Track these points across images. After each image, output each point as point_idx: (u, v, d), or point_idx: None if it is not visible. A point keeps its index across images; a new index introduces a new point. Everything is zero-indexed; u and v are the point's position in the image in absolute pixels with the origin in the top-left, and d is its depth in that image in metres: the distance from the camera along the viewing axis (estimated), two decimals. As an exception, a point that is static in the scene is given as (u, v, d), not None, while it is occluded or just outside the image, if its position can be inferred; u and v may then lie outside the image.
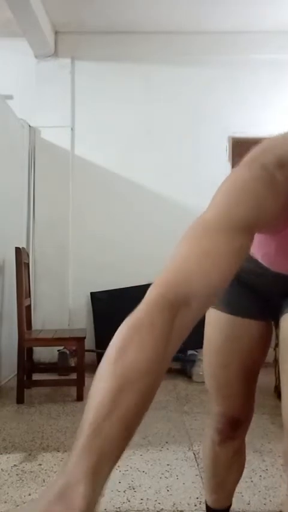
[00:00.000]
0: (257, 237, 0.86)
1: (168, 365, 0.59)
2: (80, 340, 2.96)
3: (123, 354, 0.55)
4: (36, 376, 3.30)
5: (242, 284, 1.08)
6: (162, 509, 1.64)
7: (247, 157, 0.75)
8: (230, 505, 1.36)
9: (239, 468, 1.31)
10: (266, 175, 0.70)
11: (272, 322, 1.14)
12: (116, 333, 0.59)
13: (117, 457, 0.50)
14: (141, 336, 0.56)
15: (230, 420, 1.16)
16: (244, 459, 1.31)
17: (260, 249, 0.95)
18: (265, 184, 0.70)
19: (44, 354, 3.79)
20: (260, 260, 1.00)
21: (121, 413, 0.51)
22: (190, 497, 1.70)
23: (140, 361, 0.54)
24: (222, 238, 0.66)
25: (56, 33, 4.08)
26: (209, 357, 1.16)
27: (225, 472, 1.27)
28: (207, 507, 1.37)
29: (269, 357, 3.79)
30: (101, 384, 0.54)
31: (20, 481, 1.84)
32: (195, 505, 1.65)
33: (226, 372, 1.13)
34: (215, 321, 1.13)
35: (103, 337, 3.84)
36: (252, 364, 1.14)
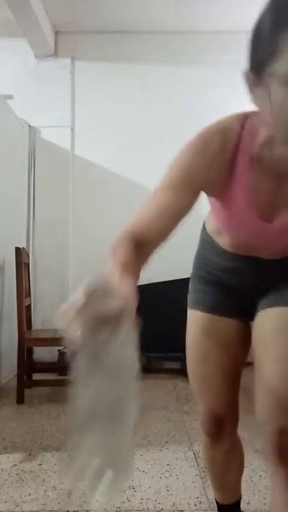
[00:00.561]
0: (219, 221, 1.07)
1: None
2: (80, 340, 2.95)
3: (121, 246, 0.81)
4: (36, 376, 3.30)
5: (218, 284, 1.18)
6: (162, 509, 1.64)
7: (198, 133, 0.94)
8: (240, 497, 1.37)
9: (238, 466, 1.32)
10: (203, 147, 0.91)
11: (243, 321, 1.18)
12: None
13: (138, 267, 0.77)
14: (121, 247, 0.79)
15: (214, 419, 1.19)
16: (242, 457, 1.32)
17: (225, 233, 1.09)
18: (202, 154, 0.91)
19: (44, 353, 3.78)
20: (226, 248, 1.13)
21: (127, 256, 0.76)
22: (190, 497, 1.70)
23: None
24: (170, 195, 0.89)
25: (56, 33, 4.08)
26: (189, 354, 1.21)
27: (224, 471, 1.30)
28: (217, 503, 1.38)
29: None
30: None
31: (20, 481, 1.84)
32: (195, 505, 1.65)
33: (205, 367, 1.17)
34: (193, 319, 1.19)
35: (103, 337, 3.84)
36: (230, 361, 1.17)
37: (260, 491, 1.75)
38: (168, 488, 1.78)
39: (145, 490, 1.76)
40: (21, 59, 4.04)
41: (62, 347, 3.61)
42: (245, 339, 1.17)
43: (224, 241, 1.14)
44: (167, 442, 2.22)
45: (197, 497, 1.70)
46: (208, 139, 0.92)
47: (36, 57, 4.05)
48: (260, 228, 1.00)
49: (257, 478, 1.84)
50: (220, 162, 0.93)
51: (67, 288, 4.01)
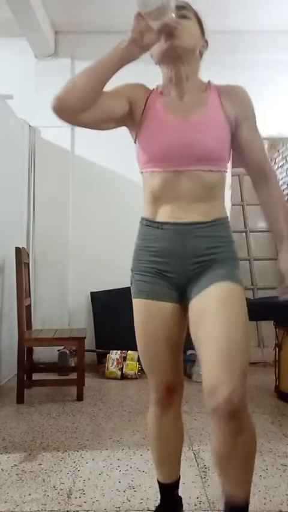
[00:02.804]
0: (144, 146, 1.31)
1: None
2: (80, 340, 2.96)
3: None
4: (36, 376, 3.30)
5: (154, 273, 1.33)
6: (162, 509, 1.63)
7: None
8: (179, 478, 1.50)
9: (179, 434, 1.47)
10: (117, 89, 1.33)
11: (181, 304, 1.33)
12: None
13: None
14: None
15: (166, 387, 1.37)
16: (181, 425, 1.47)
17: (149, 152, 1.30)
18: (128, 87, 1.37)
19: (44, 354, 3.79)
20: (149, 217, 1.34)
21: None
22: (190, 497, 1.70)
23: None
24: (108, 94, 1.28)
25: (56, 33, 4.08)
26: (139, 339, 1.37)
27: (168, 441, 1.45)
28: (160, 484, 1.50)
29: (269, 357, 3.78)
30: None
31: (20, 481, 1.84)
32: (195, 505, 1.65)
33: (154, 346, 1.34)
34: (137, 308, 1.36)
35: (103, 337, 3.84)
36: (172, 337, 1.34)
37: (259, 491, 1.75)
38: (168, 488, 1.77)
39: (145, 490, 1.76)
40: (21, 59, 4.04)
41: (62, 347, 3.61)
42: (180, 316, 1.34)
43: (155, 197, 1.31)
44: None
45: (197, 497, 1.70)
46: (133, 84, 1.38)
47: (36, 57, 4.05)
48: (176, 123, 1.26)
49: (257, 478, 1.84)
50: (140, 97, 1.33)
51: (67, 288, 4.01)
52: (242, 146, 1.33)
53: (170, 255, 1.30)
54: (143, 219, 1.37)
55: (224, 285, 1.23)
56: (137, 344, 1.38)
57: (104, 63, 1.22)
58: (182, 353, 1.41)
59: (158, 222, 1.31)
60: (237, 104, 1.31)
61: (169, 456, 1.47)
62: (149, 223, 1.34)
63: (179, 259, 1.29)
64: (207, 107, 1.29)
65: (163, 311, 1.32)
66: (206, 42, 1.35)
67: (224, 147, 1.29)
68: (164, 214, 1.30)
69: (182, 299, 1.32)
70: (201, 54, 1.34)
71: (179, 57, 1.27)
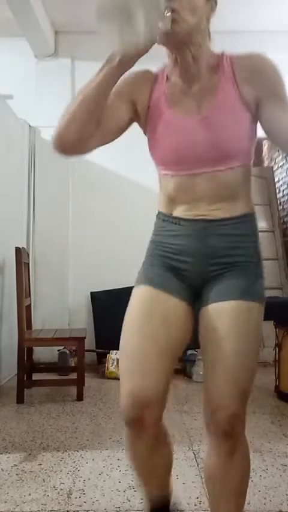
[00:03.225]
0: (153, 146, 1.18)
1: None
2: (80, 340, 2.96)
3: None
4: (36, 376, 3.30)
5: (168, 267, 1.18)
6: (162, 509, 1.63)
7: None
8: (169, 496, 1.30)
9: (164, 460, 1.25)
10: (117, 89, 1.12)
11: (191, 308, 1.17)
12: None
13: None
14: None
15: (139, 402, 1.08)
16: (169, 451, 1.26)
17: (160, 155, 1.18)
18: (129, 82, 1.18)
19: (44, 354, 3.79)
20: (165, 212, 1.20)
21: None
22: (190, 497, 1.70)
23: None
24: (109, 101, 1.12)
25: (56, 33, 4.08)
26: (127, 327, 1.14)
27: (149, 466, 1.22)
28: (146, 499, 1.30)
29: (269, 357, 3.78)
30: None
31: (20, 481, 1.84)
32: (195, 505, 1.65)
33: (140, 340, 1.10)
34: (138, 293, 1.16)
35: (103, 337, 3.84)
36: (167, 341, 1.11)
37: (260, 491, 1.75)
38: (168, 488, 1.77)
39: (145, 490, 1.76)
40: (21, 59, 4.04)
41: (62, 347, 3.61)
42: (186, 323, 1.15)
43: (172, 196, 1.18)
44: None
45: (197, 497, 1.70)
46: (134, 76, 1.18)
47: (36, 57, 4.06)
48: (183, 122, 1.11)
49: (257, 478, 1.84)
50: (143, 90, 1.18)
51: (67, 288, 4.01)
52: (268, 128, 1.10)
53: (188, 253, 1.15)
54: (159, 213, 1.23)
55: (241, 305, 1.09)
56: (122, 337, 1.15)
57: (99, 86, 1.05)
58: (175, 365, 1.18)
59: (175, 218, 1.17)
60: (255, 79, 1.09)
61: (152, 479, 1.27)
62: (165, 218, 1.20)
63: (197, 258, 1.15)
64: (219, 94, 1.10)
65: (169, 305, 1.13)
66: (215, 1, 1.14)
67: (243, 139, 1.11)
68: (182, 212, 1.16)
69: (194, 301, 1.17)
70: (208, 20, 1.13)
71: (183, 43, 1.08)
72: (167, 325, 1.12)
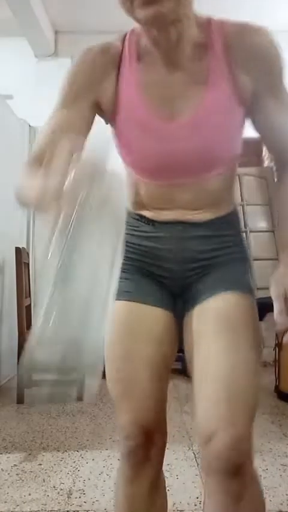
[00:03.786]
0: (124, 150, 0.97)
1: None
2: (80, 340, 2.95)
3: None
4: (36, 376, 3.30)
5: (143, 271, 1.01)
6: (162, 509, 1.63)
7: (82, 53, 0.95)
8: None
9: (161, 505, 1.07)
10: (86, 65, 0.93)
11: (174, 315, 1.01)
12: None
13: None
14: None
15: (142, 427, 0.92)
16: (165, 495, 1.08)
17: (132, 160, 0.97)
18: (86, 71, 0.93)
19: (44, 353, 3.78)
20: (134, 210, 1.02)
21: None
22: (190, 497, 1.70)
23: None
24: (66, 111, 0.91)
25: (56, 33, 4.08)
26: (110, 352, 0.94)
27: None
28: None
29: (269, 357, 3.77)
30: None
31: (20, 481, 1.83)
32: (195, 505, 1.65)
33: (131, 364, 0.93)
34: (118, 310, 0.97)
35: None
36: (162, 356, 0.96)
37: (260, 491, 1.75)
38: (168, 488, 1.76)
39: (145, 490, 1.76)
40: (21, 59, 4.04)
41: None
42: (174, 335, 0.99)
43: (145, 201, 0.99)
44: (167, 442, 2.21)
45: (197, 497, 1.70)
46: (90, 59, 0.93)
47: (36, 56, 4.05)
48: (162, 129, 0.89)
49: (257, 478, 1.84)
50: (106, 77, 0.93)
51: (67, 288, 4.00)
52: (261, 129, 0.95)
53: (165, 258, 0.99)
54: (128, 209, 1.03)
55: (228, 298, 0.92)
56: (106, 365, 0.96)
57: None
58: (167, 382, 1.03)
59: (147, 219, 1.00)
60: (255, 66, 0.87)
61: None
62: (136, 217, 1.01)
63: (174, 263, 0.99)
64: (209, 88, 0.87)
65: (152, 319, 0.97)
66: None
67: (235, 139, 0.93)
68: (154, 215, 0.99)
69: (176, 309, 1.00)
70: None
71: (170, 23, 0.84)
72: (155, 341, 0.95)
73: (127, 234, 1.03)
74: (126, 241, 1.03)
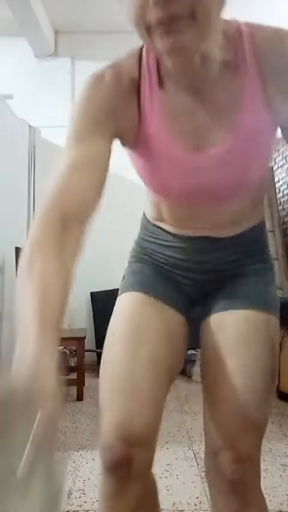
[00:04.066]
0: (148, 179, 0.90)
1: (73, 269, 0.70)
2: (80, 340, 2.96)
3: (32, 270, 0.67)
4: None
5: (162, 272, 0.99)
6: (162, 509, 1.63)
7: (91, 83, 0.83)
8: None
9: None
10: (101, 95, 0.80)
11: (185, 321, 0.97)
12: (22, 255, 0.71)
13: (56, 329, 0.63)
14: (42, 253, 0.69)
15: (128, 438, 0.77)
16: (157, 499, 0.98)
17: (158, 194, 0.92)
18: (100, 102, 0.80)
19: (44, 353, 3.78)
20: (159, 224, 0.99)
21: (52, 301, 0.65)
22: (190, 497, 1.70)
23: (49, 270, 0.66)
24: (80, 147, 0.79)
25: (56, 33, 4.08)
26: (112, 346, 0.89)
27: None
28: None
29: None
30: (25, 295, 0.67)
31: (20, 481, 1.83)
32: (195, 505, 1.65)
33: (131, 362, 0.84)
34: (126, 301, 0.94)
35: (103, 337, 3.83)
36: (172, 359, 0.90)
37: (260, 491, 1.75)
38: (168, 488, 1.77)
39: (145, 490, 1.76)
40: (21, 59, 4.04)
41: (62, 347, 3.61)
42: (185, 340, 0.96)
43: (165, 217, 0.96)
44: (167, 442, 2.22)
45: (197, 497, 1.70)
46: (105, 89, 0.80)
47: (36, 56, 4.05)
48: (189, 161, 0.81)
49: (257, 478, 1.84)
50: (126, 107, 0.81)
51: (67, 288, 4.00)
52: None
53: (186, 268, 0.97)
54: (148, 218, 1.03)
55: (248, 315, 0.89)
56: (104, 356, 0.90)
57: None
58: (167, 391, 0.92)
59: (168, 232, 0.98)
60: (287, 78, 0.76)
61: None
62: (156, 225, 1.00)
63: (194, 272, 0.97)
64: (244, 114, 0.77)
65: (167, 317, 0.92)
66: None
67: (267, 160, 0.87)
68: (176, 230, 0.96)
69: (192, 314, 0.97)
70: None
71: (194, 53, 0.72)
72: (166, 339, 0.89)
73: (145, 240, 1.02)
74: (145, 247, 1.02)
